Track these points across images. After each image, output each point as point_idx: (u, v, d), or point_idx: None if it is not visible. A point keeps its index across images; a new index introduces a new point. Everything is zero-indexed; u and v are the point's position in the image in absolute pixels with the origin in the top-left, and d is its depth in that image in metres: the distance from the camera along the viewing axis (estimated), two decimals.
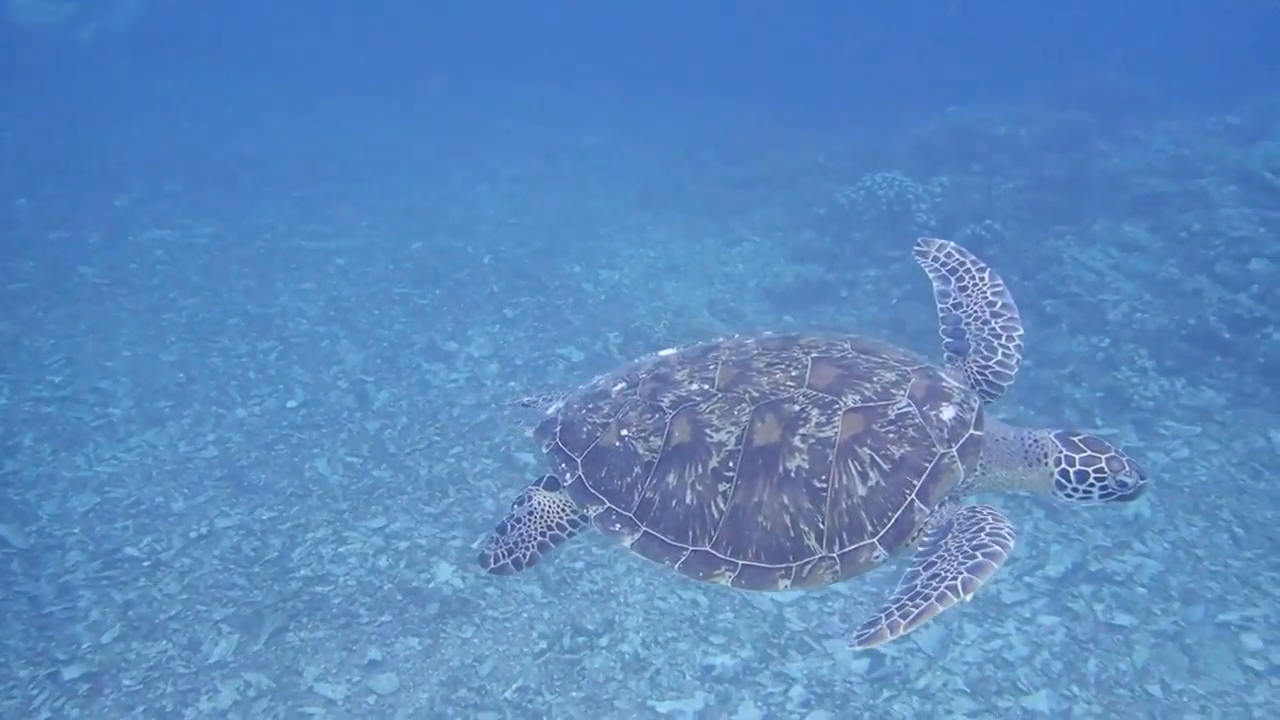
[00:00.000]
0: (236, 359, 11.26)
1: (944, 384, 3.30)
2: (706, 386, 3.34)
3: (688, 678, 7.12)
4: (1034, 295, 11.71)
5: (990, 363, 3.63)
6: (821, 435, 3.10)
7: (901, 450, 3.09)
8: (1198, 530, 8.44)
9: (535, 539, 3.66)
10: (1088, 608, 7.77)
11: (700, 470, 3.19)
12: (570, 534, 3.71)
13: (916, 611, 2.74)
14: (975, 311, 3.84)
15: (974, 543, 2.90)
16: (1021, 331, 3.73)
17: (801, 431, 3.12)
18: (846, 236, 14.81)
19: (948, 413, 3.18)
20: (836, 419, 3.12)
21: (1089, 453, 3.31)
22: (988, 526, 2.96)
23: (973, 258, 3.95)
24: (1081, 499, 3.35)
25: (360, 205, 17.25)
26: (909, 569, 3.00)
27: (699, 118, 24.00)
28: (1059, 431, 3.42)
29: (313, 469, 9.17)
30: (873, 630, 2.77)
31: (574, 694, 6.83)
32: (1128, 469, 3.27)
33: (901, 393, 3.20)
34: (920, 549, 3.06)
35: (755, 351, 3.43)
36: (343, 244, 15.19)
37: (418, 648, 7.15)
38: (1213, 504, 8.68)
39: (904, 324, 12.05)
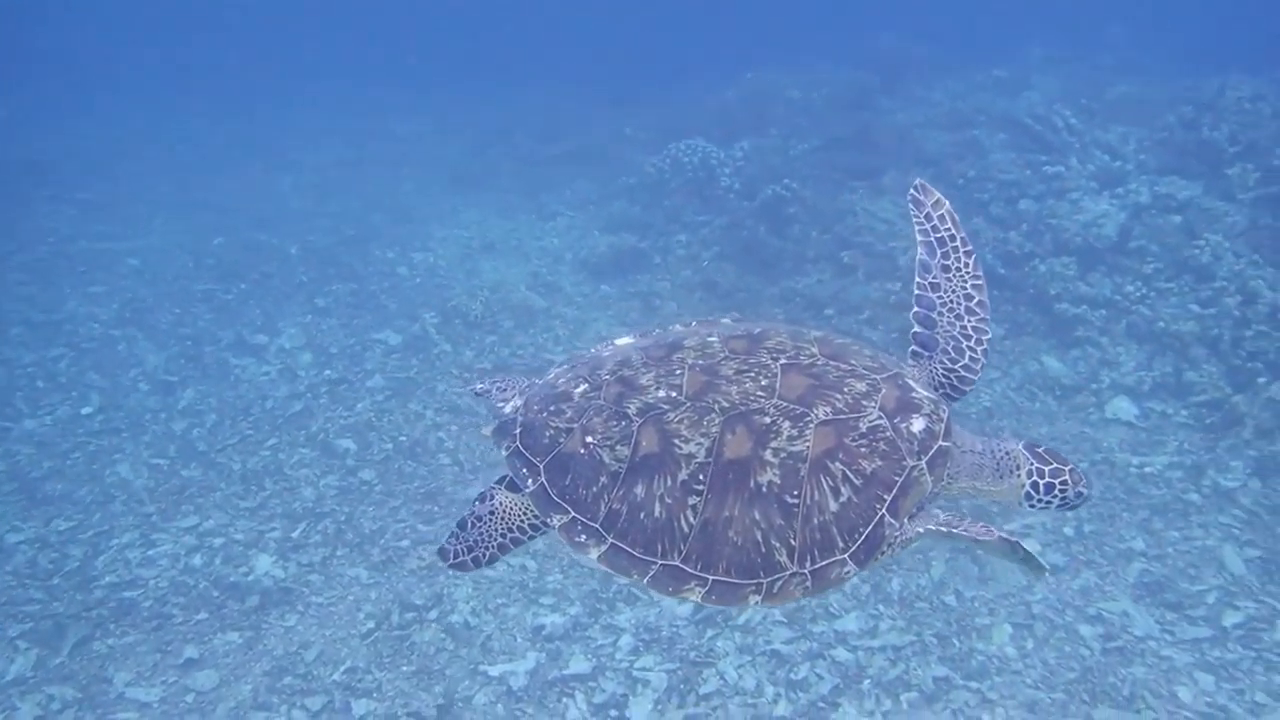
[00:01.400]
0: (21, 369, 10.58)
1: (914, 394, 3.26)
2: (674, 394, 3.21)
3: (519, 640, 7.22)
4: (832, 247, 12.30)
5: (957, 366, 3.59)
6: (793, 449, 3.03)
7: (873, 465, 3.05)
8: None
9: (495, 539, 3.54)
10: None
11: (669, 482, 3.08)
12: (531, 537, 3.55)
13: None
14: (951, 302, 3.69)
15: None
16: (990, 335, 3.63)
17: (773, 445, 3.04)
18: (657, 205, 15.13)
19: (918, 425, 3.15)
20: (808, 432, 3.05)
21: (1055, 465, 3.40)
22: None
23: (963, 235, 3.74)
24: (1041, 508, 3.45)
25: (154, 203, 16.42)
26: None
27: (509, 103, 23.92)
28: (1025, 443, 3.47)
29: (115, 474, 8.75)
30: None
31: (405, 669, 6.83)
32: (1083, 480, 3.40)
33: (873, 404, 3.15)
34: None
35: (722, 355, 3.31)
36: (136, 244, 14.43)
37: (238, 641, 6.97)
38: (995, 426, 9.38)
39: (715, 285, 12.47)
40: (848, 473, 3.03)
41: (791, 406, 3.11)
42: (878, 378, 3.25)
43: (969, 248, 3.75)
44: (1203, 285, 9.96)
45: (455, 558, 3.59)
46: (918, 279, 3.77)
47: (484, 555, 3.55)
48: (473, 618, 7.37)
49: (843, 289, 11.56)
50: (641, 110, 20.60)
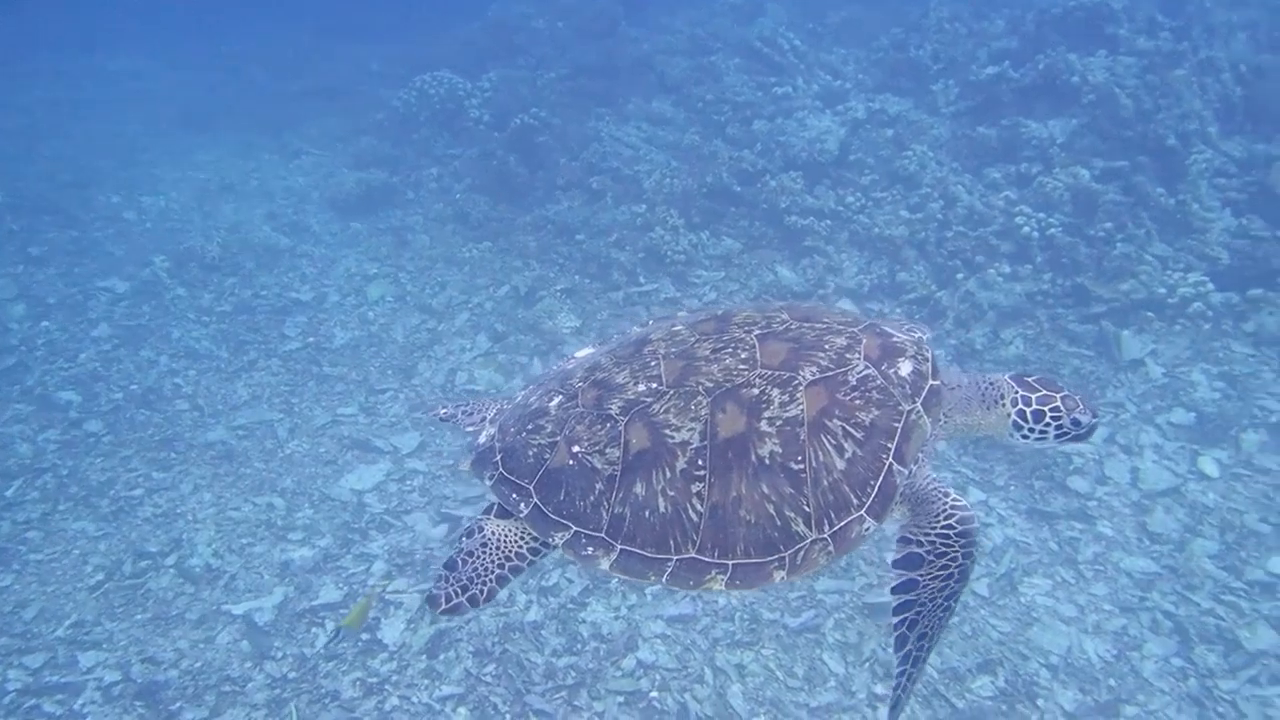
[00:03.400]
0: None
1: (895, 339, 3.22)
2: (655, 385, 3.10)
3: (265, 577, 7.08)
4: (581, 174, 12.47)
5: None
6: (788, 415, 2.95)
7: (870, 415, 2.98)
8: None
9: (493, 572, 3.24)
10: None
11: (668, 474, 2.97)
12: (531, 562, 3.29)
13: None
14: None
15: (948, 596, 2.94)
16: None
17: (766, 415, 2.95)
18: (406, 139, 14.81)
19: (905, 368, 3.11)
20: (799, 395, 2.98)
21: (1044, 392, 3.31)
22: (957, 570, 2.98)
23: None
24: (1038, 439, 3.33)
25: None
26: (896, 636, 2.98)
27: (242, 37, 22.48)
28: (1013, 374, 3.41)
29: None
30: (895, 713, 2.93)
31: (138, 617, 6.57)
32: (1081, 407, 3.27)
33: (856, 356, 3.09)
34: (896, 595, 3.02)
35: (693, 339, 3.23)
36: None
37: None
38: None
39: (468, 217, 12.40)
40: (847, 428, 2.96)
41: (777, 373, 3.03)
42: (855, 329, 3.20)
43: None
44: (911, 193, 10.80)
45: (447, 602, 3.19)
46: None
47: (481, 592, 3.21)
48: (215, 559, 7.16)
49: (593, 214, 11.77)
50: (386, 44, 19.96)
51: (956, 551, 2.99)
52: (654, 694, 6.32)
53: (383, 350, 10.08)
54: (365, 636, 6.62)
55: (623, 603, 7.04)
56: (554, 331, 10.02)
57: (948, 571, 2.98)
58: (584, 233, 11.49)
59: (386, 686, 6.21)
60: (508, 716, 6.11)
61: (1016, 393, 3.33)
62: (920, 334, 3.43)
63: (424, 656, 6.47)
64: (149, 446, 8.30)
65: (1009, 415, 3.32)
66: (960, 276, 9.76)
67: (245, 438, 8.69)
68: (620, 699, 6.28)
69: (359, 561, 7.35)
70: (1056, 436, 3.30)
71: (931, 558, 3.00)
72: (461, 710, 6.12)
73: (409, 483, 8.25)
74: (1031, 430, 3.31)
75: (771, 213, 11.02)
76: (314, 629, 6.64)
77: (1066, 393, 3.31)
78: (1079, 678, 6.20)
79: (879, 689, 6.23)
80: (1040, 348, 8.98)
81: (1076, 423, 3.27)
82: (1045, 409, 3.28)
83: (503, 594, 3.22)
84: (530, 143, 13.08)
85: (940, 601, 2.94)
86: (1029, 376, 3.39)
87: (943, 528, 3.03)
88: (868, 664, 6.42)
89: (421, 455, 8.51)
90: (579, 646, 6.67)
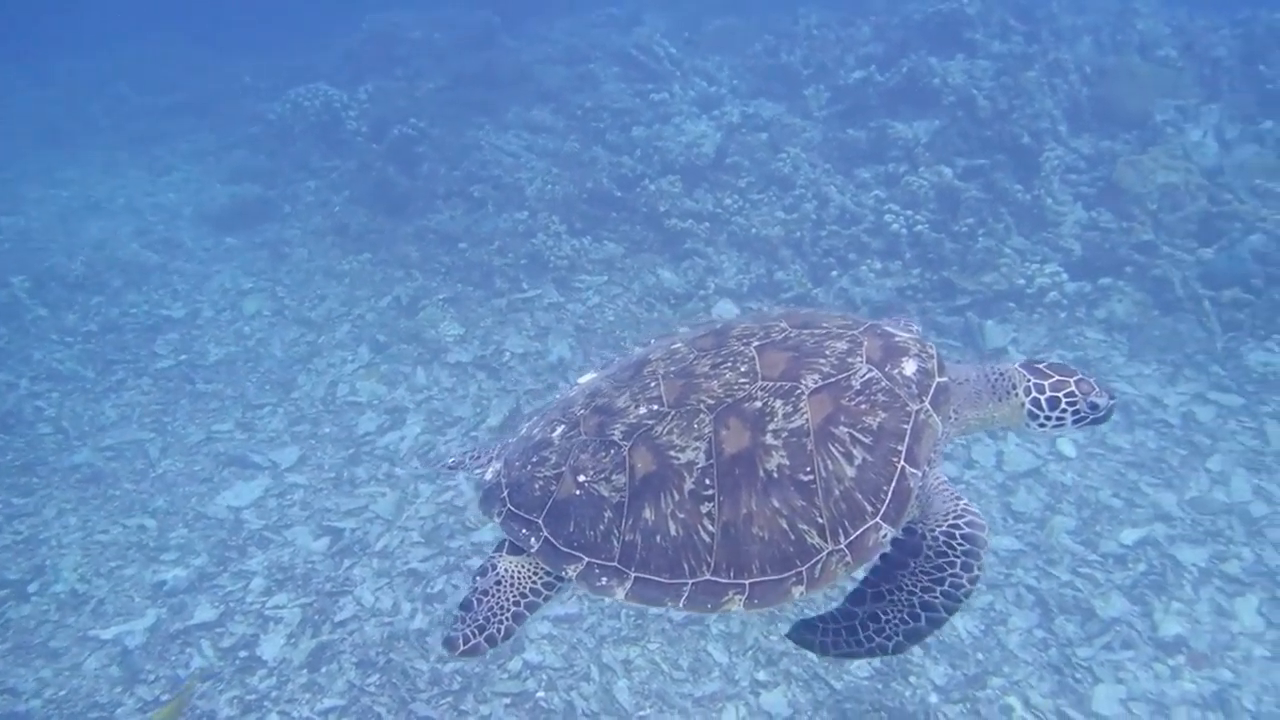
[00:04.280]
0: None
1: (896, 338, 3.14)
2: (656, 406, 3.03)
3: (136, 599, 6.85)
4: (462, 183, 12.41)
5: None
6: (793, 426, 2.88)
7: (878, 419, 2.91)
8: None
9: (509, 610, 3.16)
10: None
11: (677, 497, 2.89)
12: (547, 598, 3.21)
13: (849, 651, 2.80)
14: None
15: (925, 599, 2.82)
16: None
17: (771, 428, 2.88)
18: (282, 152, 14.52)
19: (910, 367, 3.04)
20: (803, 404, 2.90)
21: (1056, 378, 3.22)
22: (949, 578, 2.85)
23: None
24: (1055, 427, 3.23)
25: None
26: (854, 589, 2.91)
27: (109, 53, 21.68)
28: (1022, 361, 3.32)
29: None
30: (809, 641, 2.84)
31: None
32: (1097, 390, 3.19)
33: (858, 359, 3.02)
34: (880, 561, 2.94)
35: (692, 356, 3.16)
36: None
37: None
38: (618, 337, 9.97)
39: (347, 229, 12.23)
40: (854, 434, 2.88)
41: (778, 384, 2.96)
42: (855, 332, 3.13)
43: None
44: (786, 194, 11.07)
45: (466, 643, 3.09)
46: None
47: (500, 631, 3.13)
48: (81, 584, 6.90)
49: (475, 222, 11.74)
50: (260, 57, 19.53)
51: (956, 557, 2.88)
52: (540, 694, 6.33)
53: (260, 365, 9.85)
54: (243, 654, 6.46)
55: None
56: (437, 340, 9.95)
57: (940, 574, 2.86)
58: (466, 241, 11.45)
59: (265, 703, 6.07)
60: None
61: (1029, 381, 3.23)
62: (918, 329, 3.44)
63: (305, 671, 6.35)
64: (8, 472, 7.95)
65: (1023, 405, 3.22)
66: (835, 274, 10.05)
67: (114, 459, 8.39)
68: (507, 701, 6.26)
69: (236, 579, 7.17)
70: (1074, 422, 3.21)
71: (930, 554, 2.91)
72: None
73: (289, 497, 8.08)
74: (1049, 418, 3.22)
75: (652, 216, 11.16)
76: (188, 649, 6.45)
77: (1080, 376, 3.22)
78: (949, 654, 6.44)
79: (761, 675, 6.36)
80: None
81: (1094, 406, 3.19)
82: (1060, 395, 3.19)
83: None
84: (410, 153, 12.98)
85: (918, 597, 2.83)
86: (1039, 362, 3.30)
87: (949, 527, 2.94)
88: (750, 652, 6.54)
89: (302, 469, 8.35)
90: None
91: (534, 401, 9.03)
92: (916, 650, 6.42)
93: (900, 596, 2.84)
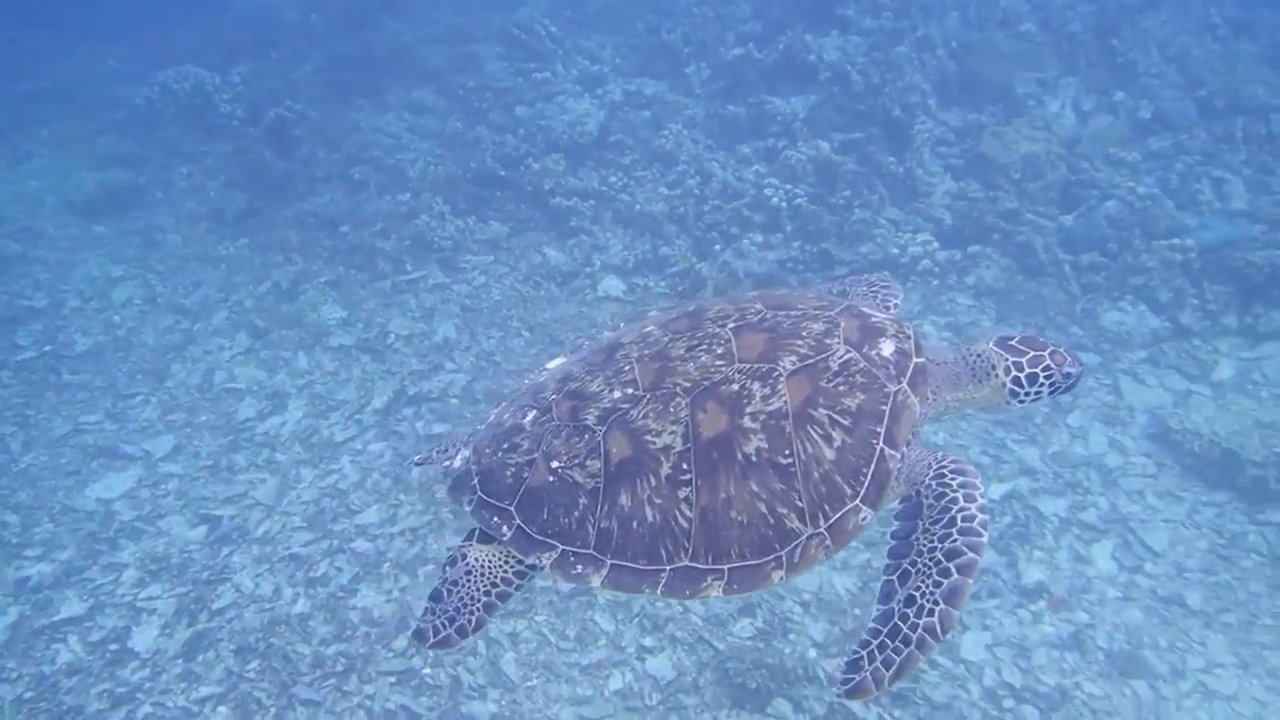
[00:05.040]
0: None
1: (874, 319, 3.11)
2: (631, 390, 2.96)
3: None
4: (342, 165, 12.16)
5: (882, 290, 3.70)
6: (771, 408, 2.84)
7: (856, 400, 2.87)
8: (496, 340, 9.62)
9: (479, 600, 3.06)
10: (410, 427, 8.53)
11: (654, 482, 2.84)
12: (519, 586, 3.11)
13: (899, 662, 2.62)
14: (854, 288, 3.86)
15: (946, 547, 2.74)
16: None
17: (749, 410, 2.84)
18: (152, 137, 13.98)
19: (888, 348, 3.01)
20: (781, 387, 2.87)
21: (1032, 353, 3.22)
22: (958, 515, 2.80)
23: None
24: (1033, 400, 3.25)
25: None
26: (883, 583, 2.83)
27: None
28: (995, 339, 3.32)
29: None
30: (857, 682, 2.65)
31: None
32: (1069, 360, 3.22)
33: (836, 340, 2.98)
34: (893, 540, 2.89)
35: (666, 339, 3.09)
36: None
37: None
38: (505, 317, 9.93)
39: (223, 214, 11.88)
40: (833, 416, 2.85)
41: (755, 366, 2.92)
42: (832, 313, 3.09)
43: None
44: (670, 170, 11.16)
45: (436, 634, 3.02)
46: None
47: (470, 621, 3.05)
48: None
49: (356, 205, 11.53)
50: (124, 41, 18.73)
51: (954, 491, 2.88)
52: (426, 670, 6.30)
53: (131, 354, 9.51)
54: (114, 647, 6.26)
55: (395, 585, 6.96)
56: (319, 324, 9.77)
57: (948, 514, 2.82)
58: (348, 224, 11.24)
59: (138, 695, 5.91)
60: (272, 710, 5.93)
61: (1006, 360, 3.24)
62: (896, 295, 3.58)
63: (180, 660, 6.19)
64: None
65: (1004, 385, 3.23)
66: (718, 248, 10.18)
67: None
68: (392, 679, 6.22)
69: (107, 572, 6.94)
70: (1050, 393, 3.26)
71: (931, 501, 2.89)
72: (222, 709, 5.89)
73: (163, 487, 7.85)
74: (1028, 394, 3.24)
75: (537, 195, 11.12)
76: (54, 645, 6.22)
77: (1052, 347, 3.26)
78: (829, 610, 6.62)
79: (647, 641, 6.45)
80: None
81: (1068, 375, 3.23)
82: (1039, 370, 3.20)
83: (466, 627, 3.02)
84: (287, 136, 12.64)
85: (940, 550, 2.76)
86: (1010, 339, 3.32)
87: (936, 472, 2.95)
88: (636, 619, 6.62)
89: (177, 458, 8.12)
90: (349, 633, 6.55)
91: (419, 383, 8.94)
92: (796, 609, 6.61)
93: (924, 561, 2.78)
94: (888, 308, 3.58)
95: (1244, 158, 10.27)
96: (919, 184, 10.32)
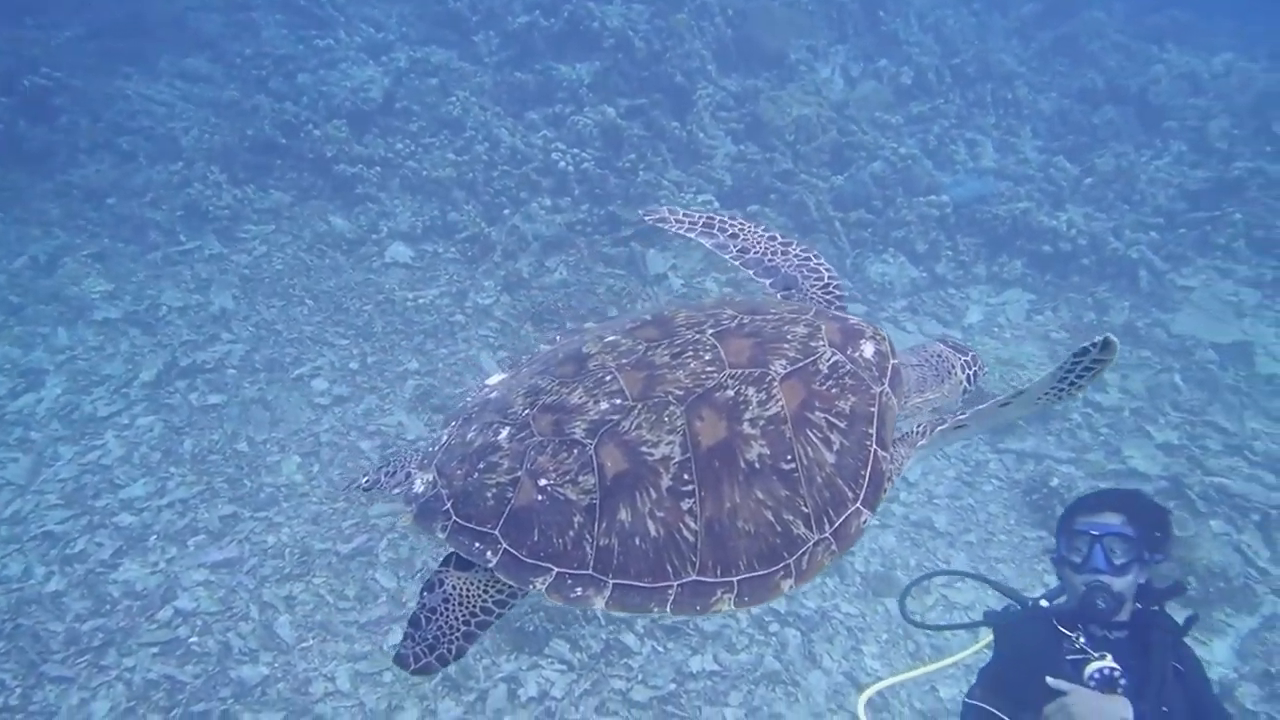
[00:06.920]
0: None
1: (850, 321, 3.06)
2: (619, 400, 2.77)
3: None
4: (108, 134, 11.45)
5: (830, 284, 3.53)
6: (769, 413, 2.73)
7: (849, 402, 2.82)
8: (277, 310, 9.31)
9: (458, 630, 2.84)
10: (183, 399, 8.16)
11: (654, 495, 2.65)
12: (500, 615, 2.88)
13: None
14: (766, 249, 3.68)
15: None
16: (817, 250, 3.68)
17: (748, 416, 2.71)
18: None
19: (869, 349, 2.95)
20: (776, 391, 2.76)
21: (972, 353, 3.30)
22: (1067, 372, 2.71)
23: (717, 216, 3.85)
24: (965, 398, 3.29)
25: None
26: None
27: None
28: (939, 338, 3.24)
29: None
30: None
31: None
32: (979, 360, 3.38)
33: (821, 343, 2.90)
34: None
35: (643, 347, 2.91)
36: None
37: None
38: (288, 286, 9.62)
39: None
40: (830, 418, 2.80)
41: (748, 371, 2.81)
42: (809, 315, 3.03)
43: (735, 217, 3.87)
44: (458, 137, 11.07)
45: (416, 661, 2.83)
46: (725, 256, 3.75)
47: (450, 650, 2.84)
48: None
49: (124, 176, 10.90)
50: None
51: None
52: (193, 639, 6.07)
53: None
54: None
55: (160, 557, 6.67)
56: (80, 298, 9.20)
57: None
58: (115, 195, 10.61)
59: None
60: (18, 690, 5.58)
61: (959, 358, 3.31)
62: (838, 281, 3.58)
63: None
64: None
65: (961, 384, 3.28)
66: (507, 212, 10.19)
67: None
68: (154, 650, 5.96)
69: None
70: (970, 389, 3.36)
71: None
72: None
73: None
74: (968, 390, 3.32)
75: (319, 163, 10.82)
76: None
77: (968, 346, 3.40)
78: None
79: None
80: (580, 271, 9.61)
81: (980, 371, 3.40)
82: (976, 368, 3.33)
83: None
84: (46, 105, 11.77)
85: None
86: (946, 340, 3.38)
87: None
88: (419, 575, 6.58)
89: None
90: (108, 608, 6.23)
91: (193, 354, 8.56)
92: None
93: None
94: (840, 297, 3.59)
95: (993, 121, 11.07)
96: (701, 147, 10.64)
